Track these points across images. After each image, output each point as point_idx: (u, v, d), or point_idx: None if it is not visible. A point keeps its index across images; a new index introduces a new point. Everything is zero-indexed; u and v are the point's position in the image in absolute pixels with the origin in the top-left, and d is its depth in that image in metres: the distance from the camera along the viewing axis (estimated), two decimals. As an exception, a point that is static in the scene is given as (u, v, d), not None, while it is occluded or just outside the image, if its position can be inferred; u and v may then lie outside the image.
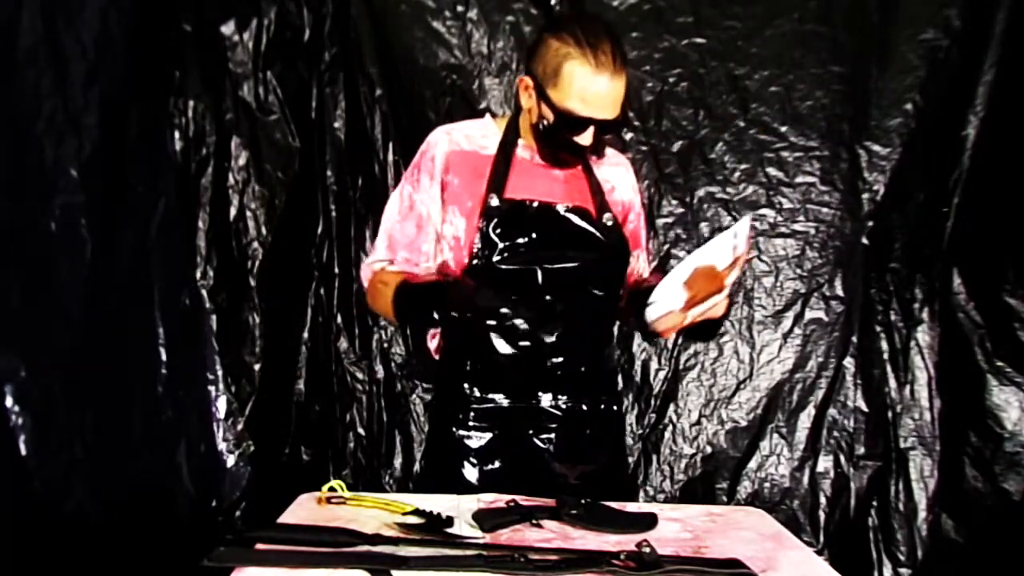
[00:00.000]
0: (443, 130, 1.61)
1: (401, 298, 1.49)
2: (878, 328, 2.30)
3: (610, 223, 1.58)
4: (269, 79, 2.20)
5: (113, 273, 1.88)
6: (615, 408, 1.65)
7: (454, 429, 1.55)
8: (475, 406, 1.54)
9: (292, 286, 2.32)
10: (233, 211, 2.20)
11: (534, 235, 1.51)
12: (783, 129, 2.27)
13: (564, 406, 1.54)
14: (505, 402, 1.53)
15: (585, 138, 1.46)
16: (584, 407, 1.56)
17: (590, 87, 1.41)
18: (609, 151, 1.68)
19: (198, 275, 2.15)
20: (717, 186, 2.30)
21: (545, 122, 1.47)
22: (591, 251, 1.54)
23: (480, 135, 1.60)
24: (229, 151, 2.19)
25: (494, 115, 2.07)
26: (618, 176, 1.68)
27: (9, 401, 1.62)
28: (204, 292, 2.16)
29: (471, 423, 1.54)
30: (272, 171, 2.23)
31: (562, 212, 1.54)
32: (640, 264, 1.73)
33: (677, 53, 2.24)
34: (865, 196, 2.28)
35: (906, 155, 2.25)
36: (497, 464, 1.53)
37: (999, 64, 2.15)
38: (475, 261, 1.51)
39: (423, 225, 1.56)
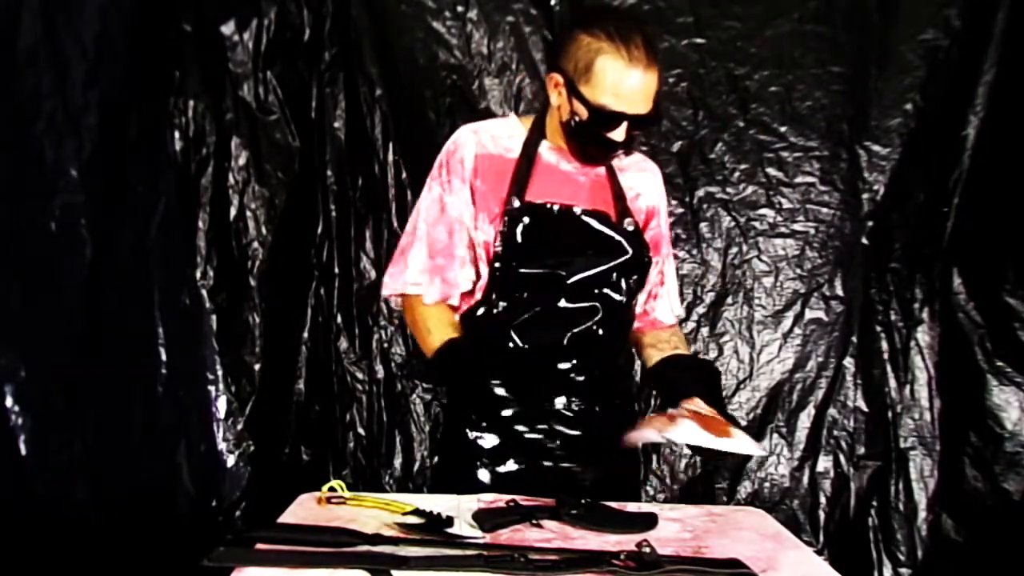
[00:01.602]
0: (470, 129, 1.59)
1: (445, 359, 1.51)
2: (878, 328, 2.30)
3: (631, 228, 1.57)
4: (269, 79, 2.20)
5: (113, 273, 1.88)
6: (628, 411, 1.65)
7: (467, 430, 1.54)
8: (489, 409, 1.53)
9: (292, 286, 2.32)
10: (233, 211, 2.20)
11: (554, 238, 1.51)
12: (783, 129, 2.27)
13: (577, 409, 1.54)
14: (519, 405, 1.53)
15: (618, 134, 1.45)
16: (597, 410, 1.56)
17: (624, 82, 1.40)
18: (636, 155, 1.67)
19: (198, 275, 2.15)
20: (717, 186, 2.30)
21: (577, 119, 1.46)
22: (610, 255, 1.54)
23: (506, 136, 1.58)
24: (229, 151, 2.19)
25: (493, 114, 2.08)
26: (643, 182, 1.66)
27: (9, 401, 1.62)
28: (204, 292, 2.16)
29: (484, 425, 1.54)
30: (272, 171, 2.23)
31: (583, 216, 1.53)
32: (667, 269, 1.71)
33: (677, 53, 2.24)
34: (865, 196, 2.28)
35: (906, 155, 2.24)
36: (509, 466, 1.52)
37: (999, 64, 2.15)
38: (496, 264, 1.51)
39: (456, 230, 1.55)
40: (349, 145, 2.33)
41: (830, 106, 2.25)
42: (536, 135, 1.57)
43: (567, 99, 1.47)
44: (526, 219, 1.50)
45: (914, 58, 2.20)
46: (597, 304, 1.52)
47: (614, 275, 1.54)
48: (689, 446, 1.31)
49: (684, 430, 1.28)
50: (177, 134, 2.13)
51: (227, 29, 2.15)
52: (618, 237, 1.55)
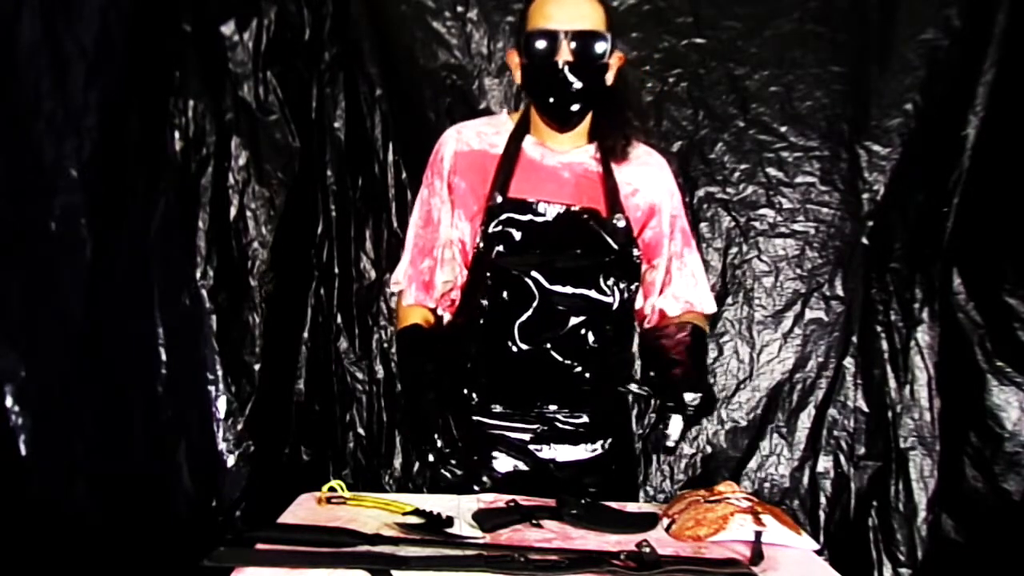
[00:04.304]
0: (455, 128, 1.58)
1: (401, 343, 1.57)
2: (878, 328, 2.30)
3: (620, 224, 1.50)
4: (269, 79, 2.20)
5: (113, 273, 1.88)
6: (623, 417, 1.63)
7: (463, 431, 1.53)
8: (476, 414, 1.53)
9: (292, 286, 2.32)
10: (233, 211, 2.20)
11: (536, 236, 1.47)
12: (783, 129, 2.27)
13: (564, 414, 1.53)
14: (506, 409, 1.52)
15: (564, 55, 1.40)
16: (587, 417, 1.54)
17: (551, 4, 1.42)
18: (642, 148, 1.61)
19: (198, 275, 2.15)
20: (717, 186, 2.30)
21: (524, 64, 1.46)
22: (596, 254, 1.49)
23: (492, 132, 1.56)
24: (229, 151, 2.19)
25: (492, 115, 2.07)
26: (644, 176, 1.58)
27: (9, 401, 1.62)
28: (204, 292, 2.16)
29: (472, 429, 1.52)
30: (272, 171, 2.23)
31: (566, 213, 1.49)
32: (675, 267, 1.60)
33: (677, 53, 2.24)
34: (865, 196, 2.28)
35: (906, 155, 2.24)
36: (499, 471, 1.51)
37: (999, 64, 2.15)
38: (478, 263, 1.49)
39: (435, 229, 1.55)
40: (349, 145, 2.33)
41: (830, 106, 2.25)
42: (521, 130, 1.54)
43: (518, 61, 1.48)
44: (507, 216, 1.47)
45: (914, 58, 2.20)
46: (582, 305, 1.48)
47: (600, 275, 1.49)
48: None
49: (772, 528, 1.20)
50: (177, 134, 2.13)
51: (227, 29, 2.15)
52: (604, 235, 1.49)
